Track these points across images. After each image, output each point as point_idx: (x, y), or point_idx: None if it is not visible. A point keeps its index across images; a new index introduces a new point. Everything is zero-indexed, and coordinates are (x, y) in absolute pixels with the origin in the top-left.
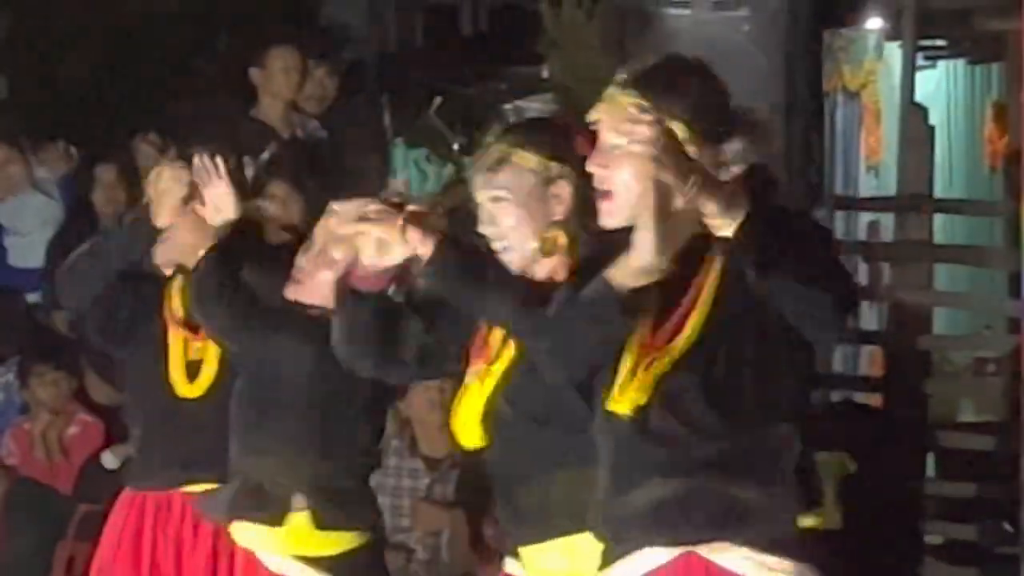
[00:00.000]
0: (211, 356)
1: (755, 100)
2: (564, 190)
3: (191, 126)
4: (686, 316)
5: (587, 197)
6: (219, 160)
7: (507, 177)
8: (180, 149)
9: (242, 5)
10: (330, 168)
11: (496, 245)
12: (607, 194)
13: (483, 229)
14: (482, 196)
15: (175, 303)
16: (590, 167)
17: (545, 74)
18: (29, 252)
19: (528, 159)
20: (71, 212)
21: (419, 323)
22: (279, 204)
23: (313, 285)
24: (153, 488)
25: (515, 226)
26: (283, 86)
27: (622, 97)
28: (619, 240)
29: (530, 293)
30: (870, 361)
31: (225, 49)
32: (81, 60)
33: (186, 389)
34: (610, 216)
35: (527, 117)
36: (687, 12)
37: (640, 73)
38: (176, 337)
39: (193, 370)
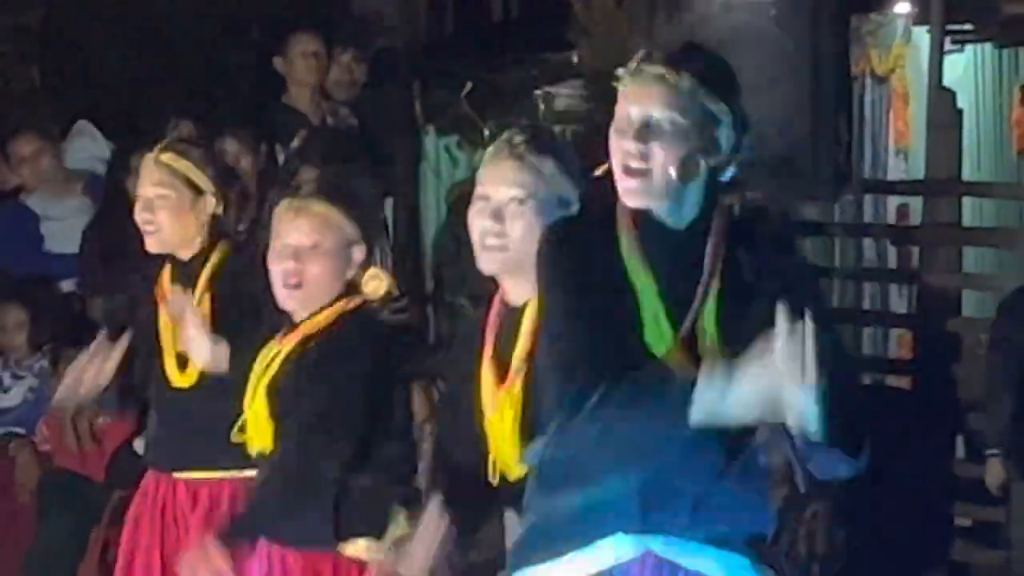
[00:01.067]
0: None
1: (783, 84)
2: None
3: (224, 114)
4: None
5: None
6: (192, 304)
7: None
8: (212, 137)
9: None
10: (361, 154)
11: (492, 241)
12: (643, 172)
13: (484, 222)
14: (501, 193)
15: (164, 289)
16: (624, 144)
17: (575, 60)
18: (65, 238)
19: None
20: (106, 198)
21: None
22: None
23: None
24: (159, 470)
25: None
26: (304, 72)
27: (657, 71)
28: None
29: None
30: (899, 344)
31: (257, 37)
32: (115, 48)
33: (178, 379)
34: (646, 196)
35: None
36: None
37: (675, 51)
38: (166, 326)
39: (183, 360)
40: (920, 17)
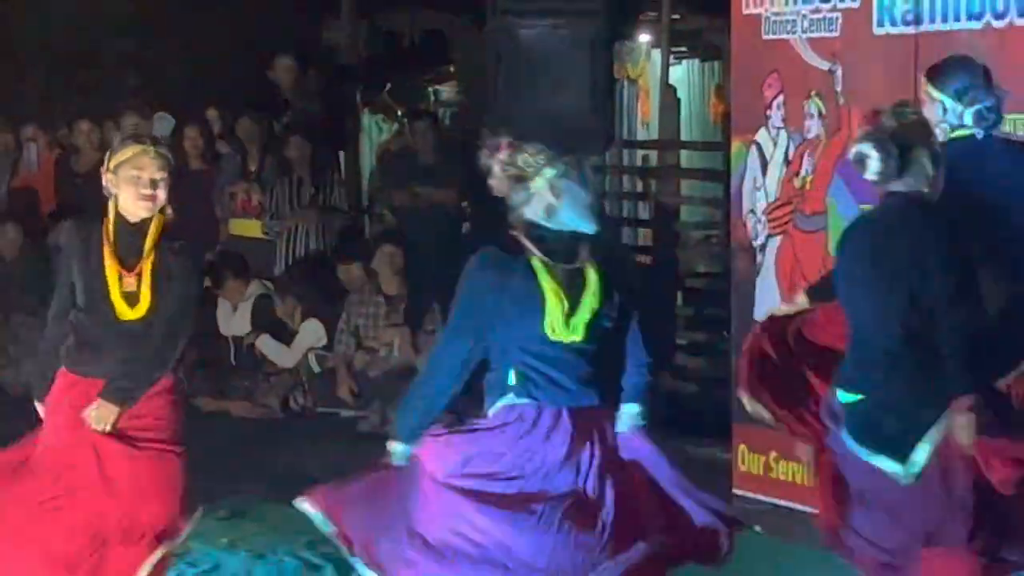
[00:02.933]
0: (144, 290)
1: (576, 85)
2: None
3: (239, 103)
4: None
5: None
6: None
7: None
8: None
9: (268, 32)
10: (326, 127)
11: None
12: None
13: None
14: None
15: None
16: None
17: (452, 69)
18: None
19: None
20: None
21: None
22: (297, 149)
23: None
24: (81, 375)
25: None
26: (285, 80)
27: None
28: None
29: None
30: (645, 236)
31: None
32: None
33: (127, 313)
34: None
35: None
36: (534, 31)
37: None
38: (112, 270)
39: (132, 299)
40: (655, 44)
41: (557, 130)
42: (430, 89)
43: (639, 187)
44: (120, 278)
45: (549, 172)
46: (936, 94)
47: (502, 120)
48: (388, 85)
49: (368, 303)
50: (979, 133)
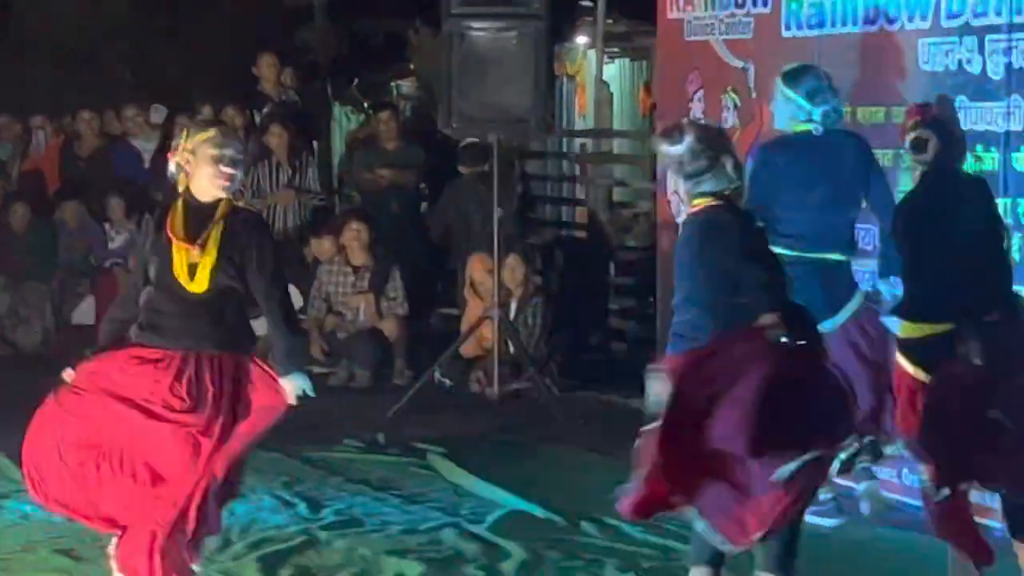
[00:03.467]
0: (208, 263)
1: (522, 81)
2: None
3: (225, 94)
4: None
5: None
6: None
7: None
8: (222, 106)
9: (250, 33)
10: (302, 118)
11: None
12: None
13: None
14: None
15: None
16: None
17: (412, 66)
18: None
19: None
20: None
21: None
22: (276, 136)
23: None
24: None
25: None
26: (267, 76)
27: None
28: None
29: None
30: (581, 216)
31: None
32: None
33: (192, 286)
34: None
35: None
36: (483, 34)
37: None
38: (180, 248)
39: (193, 272)
40: (591, 45)
41: (504, 120)
42: (392, 84)
43: (577, 171)
44: (186, 253)
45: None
46: (791, 94)
47: (456, 112)
48: (356, 81)
49: (337, 273)
50: (818, 129)
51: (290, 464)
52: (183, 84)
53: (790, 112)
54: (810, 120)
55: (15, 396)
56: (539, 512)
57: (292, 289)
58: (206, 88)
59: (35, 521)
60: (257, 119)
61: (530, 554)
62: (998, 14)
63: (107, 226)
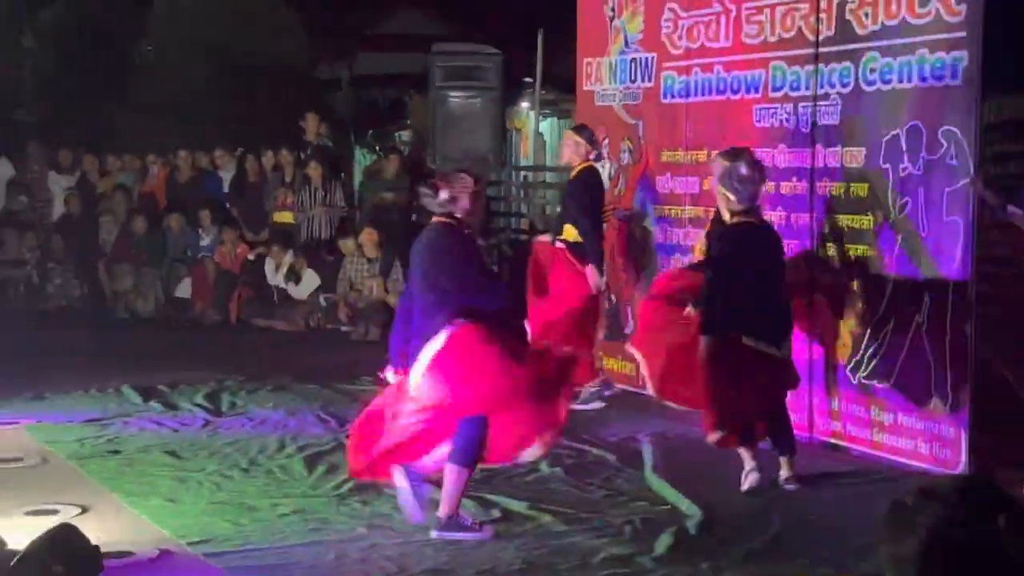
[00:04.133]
0: None
1: (483, 132)
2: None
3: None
4: None
5: None
6: None
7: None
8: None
9: (298, 99)
10: (333, 157)
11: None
12: None
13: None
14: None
15: None
16: None
17: (408, 122)
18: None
19: None
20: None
21: None
22: (314, 170)
23: None
24: None
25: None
26: (310, 128)
27: None
28: None
29: None
30: (524, 224)
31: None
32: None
33: None
34: None
35: None
36: (458, 99)
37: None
38: None
39: None
40: (531, 108)
41: (472, 158)
42: (396, 134)
43: (521, 193)
44: None
45: None
46: (578, 138)
47: (440, 153)
48: (370, 132)
49: (357, 263)
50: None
51: (326, 393)
52: (251, 133)
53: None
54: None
55: (136, 346)
56: None
57: (312, 273)
58: (267, 136)
59: (149, 431)
60: (302, 157)
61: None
62: (807, 88)
63: (199, 230)
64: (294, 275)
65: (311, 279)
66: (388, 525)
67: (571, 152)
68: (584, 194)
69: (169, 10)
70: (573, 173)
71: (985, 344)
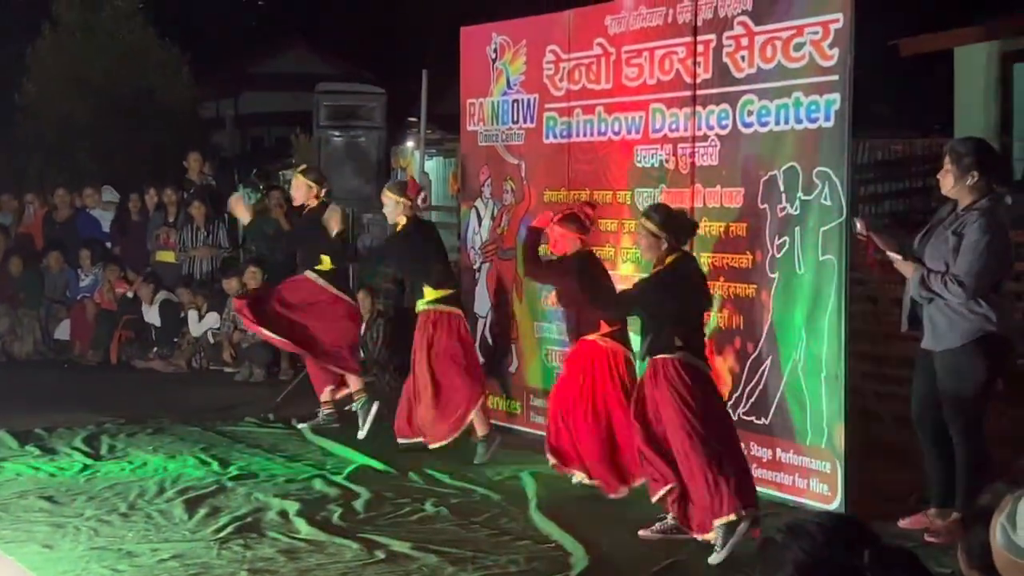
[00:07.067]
0: None
1: (369, 172)
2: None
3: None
4: None
5: None
6: None
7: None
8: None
9: (179, 136)
10: (216, 196)
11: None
12: None
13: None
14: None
15: None
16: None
17: (293, 160)
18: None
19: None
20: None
21: None
22: (197, 209)
23: None
24: None
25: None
26: (193, 167)
27: None
28: None
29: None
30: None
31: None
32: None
33: None
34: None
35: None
36: (342, 138)
37: None
38: None
39: None
40: (416, 147)
41: (358, 198)
42: (280, 173)
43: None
44: None
45: None
46: (308, 180)
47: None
48: (255, 170)
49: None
50: None
51: (207, 436)
52: (133, 172)
53: None
54: None
55: (11, 391)
56: (379, 466)
57: (212, 314)
58: (151, 174)
59: (26, 476)
60: (185, 196)
61: (373, 495)
62: (686, 130)
63: (79, 270)
64: (197, 312)
65: (211, 319)
66: (270, 569)
67: (303, 194)
68: (407, 250)
69: (51, 49)
70: (397, 229)
71: (864, 380)
